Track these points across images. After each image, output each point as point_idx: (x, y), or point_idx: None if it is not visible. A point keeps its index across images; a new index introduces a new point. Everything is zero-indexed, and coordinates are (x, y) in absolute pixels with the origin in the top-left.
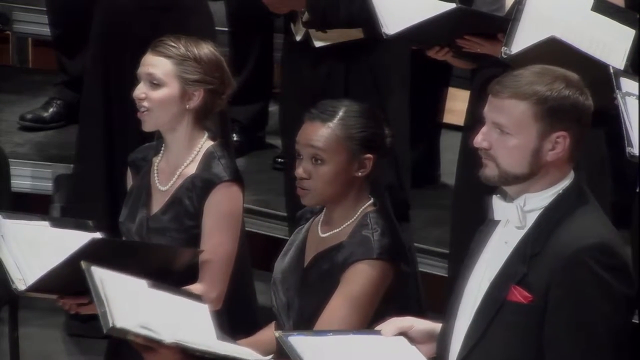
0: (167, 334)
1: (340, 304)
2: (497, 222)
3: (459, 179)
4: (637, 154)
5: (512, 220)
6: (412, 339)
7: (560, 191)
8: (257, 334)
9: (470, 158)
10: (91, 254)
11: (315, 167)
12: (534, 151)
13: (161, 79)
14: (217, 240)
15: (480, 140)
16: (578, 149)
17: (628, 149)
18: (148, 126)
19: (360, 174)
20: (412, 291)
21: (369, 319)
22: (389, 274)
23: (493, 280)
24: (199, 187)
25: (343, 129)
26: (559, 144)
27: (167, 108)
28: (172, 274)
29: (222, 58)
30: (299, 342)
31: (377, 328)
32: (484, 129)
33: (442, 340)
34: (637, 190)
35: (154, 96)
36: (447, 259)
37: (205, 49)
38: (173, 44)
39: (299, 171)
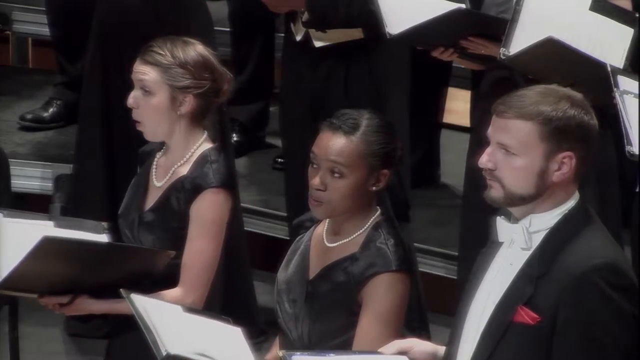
0: None
1: (372, 323)
2: (501, 243)
3: (468, 180)
4: (637, 153)
5: (517, 241)
6: None
7: (566, 211)
8: (267, 355)
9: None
10: (47, 252)
11: (333, 180)
12: (540, 172)
13: (151, 87)
14: (198, 246)
15: (485, 161)
16: (584, 168)
17: (628, 148)
18: (149, 137)
19: (374, 188)
20: (412, 291)
21: (399, 330)
22: (409, 284)
23: (499, 302)
24: (188, 190)
25: (366, 144)
26: (565, 164)
27: (158, 117)
28: (149, 276)
29: (210, 57)
30: None
31: (379, 350)
32: (488, 150)
33: None
34: (637, 190)
35: (144, 105)
36: (457, 261)
37: (192, 52)
38: (160, 51)
39: (316, 181)
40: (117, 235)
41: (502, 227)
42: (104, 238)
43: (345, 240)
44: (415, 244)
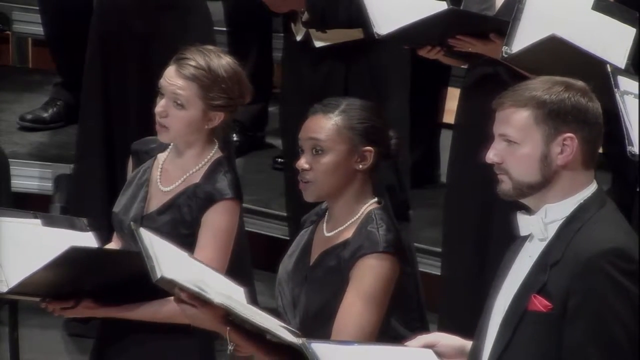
0: (216, 296)
1: (354, 300)
2: (525, 239)
3: (451, 176)
4: (638, 153)
5: (534, 232)
6: (440, 354)
7: (582, 201)
8: None
9: (461, 155)
10: (71, 261)
11: (315, 158)
12: (543, 156)
13: (185, 102)
14: (209, 255)
15: (491, 155)
16: (592, 152)
17: (629, 148)
18: (165, 139)
19: (360, 166)
20: (412, 291)
21: (383, 313)
22: (396, 268)
23: (516, 292)
24: (200, 199)
25: (344, 119)
26: (567, 146)
27: (186, 128)
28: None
29: (241, 71)
30: (322, 349)
31: (405, 344)
32: (493, 144)
33: (473, 358)
34: (638, 190)
35: (174, 116)
36: (441, 257)
37: (226, 64)
38: (196, 65)
39: (301, 162)
40: (103, 233)
41: (522, 220)
42: (89, 235)
43: (341, 228)
44: (415, 244)
